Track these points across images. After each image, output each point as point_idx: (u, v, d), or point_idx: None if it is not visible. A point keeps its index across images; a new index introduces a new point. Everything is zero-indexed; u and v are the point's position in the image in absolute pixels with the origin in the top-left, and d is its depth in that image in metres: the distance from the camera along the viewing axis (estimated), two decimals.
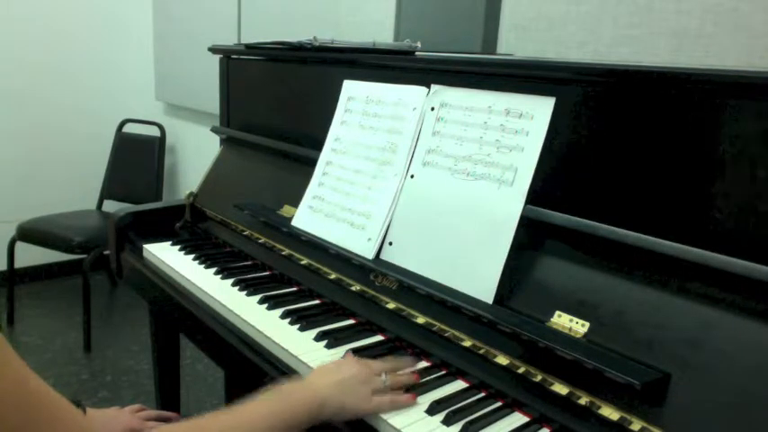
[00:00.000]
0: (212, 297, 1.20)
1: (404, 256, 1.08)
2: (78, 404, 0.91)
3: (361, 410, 0.84)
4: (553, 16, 1.51)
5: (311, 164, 1.31)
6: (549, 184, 0.94)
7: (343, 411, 0.83)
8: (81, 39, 3.31)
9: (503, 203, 0.96)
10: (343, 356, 0.96)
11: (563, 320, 0.85)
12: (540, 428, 0.82)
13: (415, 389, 0.89)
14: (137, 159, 3.27)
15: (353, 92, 1.29)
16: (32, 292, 3.23)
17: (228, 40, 2.48)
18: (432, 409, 0.84)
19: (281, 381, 0.97)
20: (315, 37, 1.35)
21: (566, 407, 0.81)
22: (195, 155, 3.26)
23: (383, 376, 0.87)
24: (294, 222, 1.29)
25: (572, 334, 0.83)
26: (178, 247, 1.46)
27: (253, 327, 1.08)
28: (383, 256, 1.11)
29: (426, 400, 0.87)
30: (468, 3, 1.87)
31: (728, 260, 0.73)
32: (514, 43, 1.60)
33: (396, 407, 0.85)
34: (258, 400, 0.82)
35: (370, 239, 1.13)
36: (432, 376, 0.93)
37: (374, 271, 1.10)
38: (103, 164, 3.31)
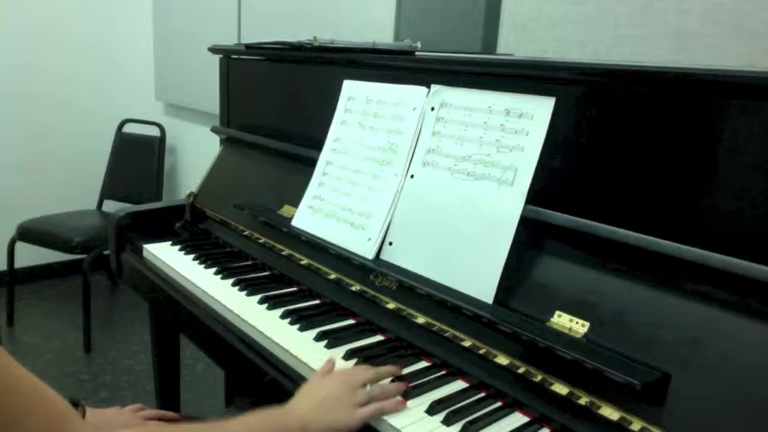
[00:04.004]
0: (212, 297, 1.20)
1: (404, 256, 1.08)
2: (77, 404, 0.91)
3: (348, 425, 0.84)
4: (553, 16, 1.51)
5: (311, 164, 1.31)
6: (549, 184, 0.94)
7: (333, 429, 0.83)
8: (81, 39, 3.30)
9: (503, 203, 0.96)
10: (325, 363, 0.93)
11: (563, 320, 0.85)
12: (540, 428, 0.82)
13: (409, 394, 0.88)
14: (137, 159, 3.27)
15: (353, 92, 1.29)
16: (32, 292, 3.22)
17: (228, 40, 2.48)
18: (432, 409, 0.84)
19: (280, 380, 0.97)
20: (315, 37, 1.35)
21: (566, 407, 0.81)
22: (195, 155, 3.25)
23: (367, 388, 0.86)
24: (294, 222, 1.29)
25: (572, 334, 0.83)
26: (178, 247, 1.46)
27: (253, 327, 1.08)
28: (383, 256, 1.11)
29: (426, 400, 0.87)
30: (468, 3, 1.87)
31: (728, 260, 0.73)
32: (514, 43, 1.60)
33: (383, 413, 0.84)
34: (244, 419, 0.81)
35: (370, 239, 1.13)
36: (432, 376, 0.93)
37: (374, 271, 1.10)
38: (103, 164, 3.31)
